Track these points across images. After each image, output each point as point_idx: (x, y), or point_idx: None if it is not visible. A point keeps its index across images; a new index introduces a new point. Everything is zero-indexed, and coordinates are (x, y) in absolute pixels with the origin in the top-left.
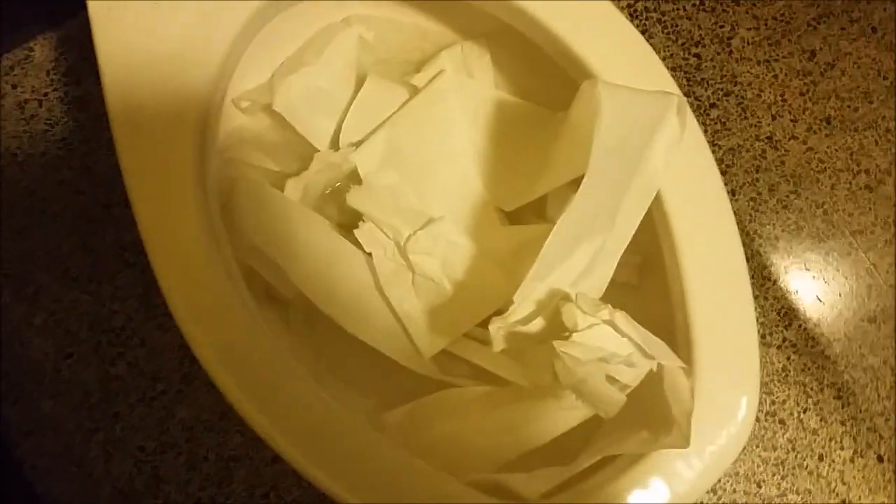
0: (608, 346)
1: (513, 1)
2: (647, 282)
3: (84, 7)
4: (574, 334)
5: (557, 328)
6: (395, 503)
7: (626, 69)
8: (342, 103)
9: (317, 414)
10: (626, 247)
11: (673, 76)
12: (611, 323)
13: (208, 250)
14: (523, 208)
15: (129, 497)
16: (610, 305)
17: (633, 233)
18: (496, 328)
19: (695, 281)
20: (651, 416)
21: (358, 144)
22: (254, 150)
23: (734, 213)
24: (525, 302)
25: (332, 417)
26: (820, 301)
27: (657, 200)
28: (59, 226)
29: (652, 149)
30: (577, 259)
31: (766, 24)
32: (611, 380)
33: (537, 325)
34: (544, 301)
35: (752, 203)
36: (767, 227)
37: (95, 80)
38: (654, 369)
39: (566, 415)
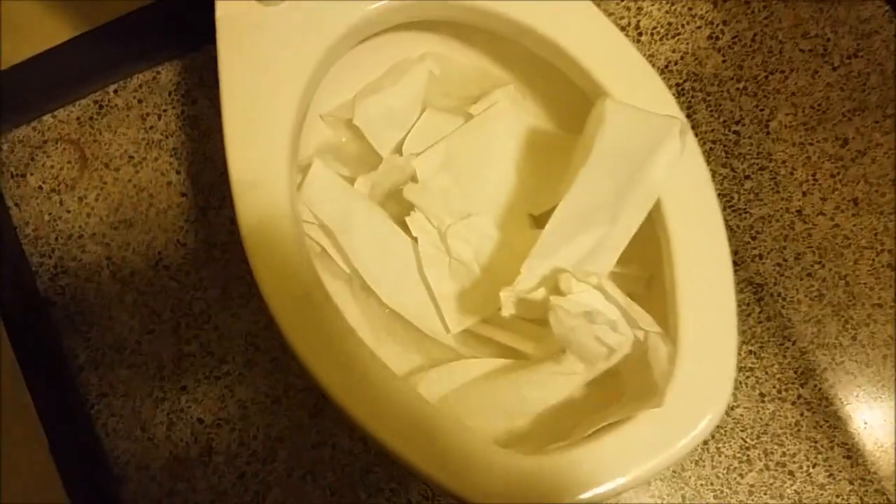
0: (597, 306)
1: (559, 47)
2: (654, 294)
3: (206, 42)
4: (569, 295)
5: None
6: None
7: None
8: (408, 123)
9: (373, 374)
10: (626, 244)
11: (711, 148)
12: (600, 287)
13: (295, 228)
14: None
15: (183, 462)
16: (601, 274)
17: (633, 231)
18: (506, 296)
19: (685, 295)
20: (637, 384)
21: (418, 155)
22: (332, 155)
23: (760, 274)
24: (530, 275)
25: (378, 372)
26: (835, 364)
27: (660, 218)
28: (160, 219)
29: (654, 161)
30: (579, 244)
31: (803, 111)
32: (598, 341)
33: (540, 294)
34: (548, 276)
35: (778, 268)
36: (791, 291)
37: (209, 103)
38: (641, 339)
39: (565, 379)
